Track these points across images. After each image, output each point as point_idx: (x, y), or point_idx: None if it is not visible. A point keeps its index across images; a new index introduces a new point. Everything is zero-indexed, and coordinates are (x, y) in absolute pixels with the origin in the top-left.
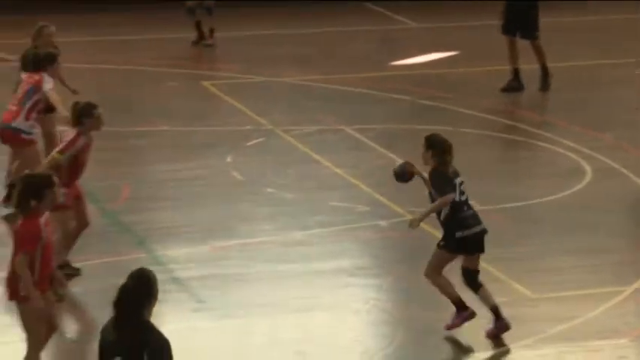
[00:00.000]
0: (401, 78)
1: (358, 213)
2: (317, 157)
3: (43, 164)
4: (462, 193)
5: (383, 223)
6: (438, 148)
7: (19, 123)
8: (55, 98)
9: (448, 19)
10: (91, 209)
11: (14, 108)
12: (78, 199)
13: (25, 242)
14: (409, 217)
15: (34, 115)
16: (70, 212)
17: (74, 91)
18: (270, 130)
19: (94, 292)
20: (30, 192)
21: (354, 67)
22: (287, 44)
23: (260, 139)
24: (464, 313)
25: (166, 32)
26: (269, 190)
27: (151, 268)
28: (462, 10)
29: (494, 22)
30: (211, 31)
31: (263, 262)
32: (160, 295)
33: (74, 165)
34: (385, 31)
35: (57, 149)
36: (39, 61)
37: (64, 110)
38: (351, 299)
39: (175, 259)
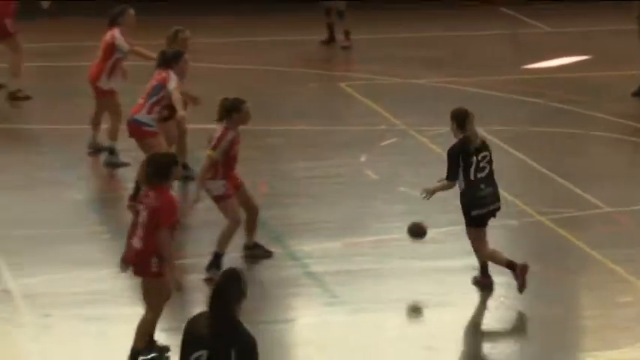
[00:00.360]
0: (533, 81)
1: None
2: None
3: (203, 165)
4: (481, 169)
5: (513, 222)
6: (459, 119)
7: (142, 116)
8: (176, 97)
9: (580, 23)
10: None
11: (141, 101)
12: (238, 188)
13: (168, 215)
14: (538, 217)
15: (156, 109)
16: (233, 201)
17: (195, 100)
18: (403, 130)
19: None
20: (160, 170)
21: (486, 70)
22: (421, 47)
23: (394, 139)
24: (517, 270)
25: (303, 34)
26: (402, 188)
27: (287, 263)
28: (594, 15)
29: (628, 26)
30: (347, 33)
31: (395, 259)
32: (294, 289)
33: (227, 158)
34: (517, 34)
35: (210, 146)
36: (167, 59)
37: (181, 110)
38: (477, 297)
39: (310, 255)
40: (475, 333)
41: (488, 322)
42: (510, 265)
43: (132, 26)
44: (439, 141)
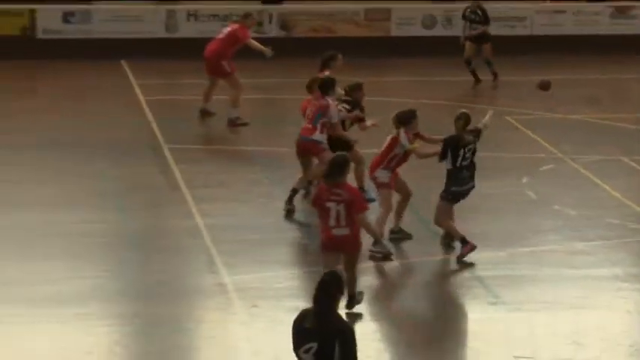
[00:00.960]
0: None
1: (630, 229)
2: (597, 181)
3: (422, 152)
4: (465, 159)
5: None
6: (463, 123)
7: (317, 136)
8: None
9: None
10: (411, 218)
11: (309, 125)
12: (396, 178)
13: (362, 202)
14: None
15: (325, 129)
16: (391, 192)
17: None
18: (560, 158)
19: (410, 286)
20: (341, 168)
21: (634, 107)
22: (580, 87)
23: (551, 165)
24: (467, 245)
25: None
26: (556, 207)
27: (458, 267)
28: None
29: None
30: (495, 75)
31: (549, 267)
32: (463, 290)
33: (404, 156)
34: None
35: (412, 144)
36: (323, 86)
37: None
38: (622, 301)
39: (477, 261)
40: (616, 332)
41: (629, 323)
42: (463, 240)
43: (339, 69)
44: (591, 167)
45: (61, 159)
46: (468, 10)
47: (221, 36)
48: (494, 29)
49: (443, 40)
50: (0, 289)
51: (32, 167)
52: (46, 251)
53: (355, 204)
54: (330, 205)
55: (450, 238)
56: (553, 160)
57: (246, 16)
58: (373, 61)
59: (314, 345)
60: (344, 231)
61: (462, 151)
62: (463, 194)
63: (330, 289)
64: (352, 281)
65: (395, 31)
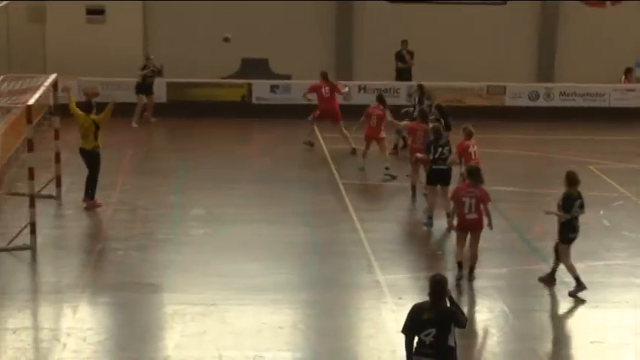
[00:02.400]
0: None
1: None
2: None
3: None
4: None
5: None
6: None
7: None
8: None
9: None
10: (514, 237)
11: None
12: None
13: (488, 196)
14: None
15: None
16: None
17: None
18: (628, 196)
19: (506, 288)
20: (480, 176)
21: None
22: None
23: (621, 202)
24: (580, 285)
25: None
26: (625, 232)
27: (542, 274)
28: None
29: None
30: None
31: (618, 276)
32: (552, 291)
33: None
34: None
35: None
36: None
37: None
38: None
39: (564, 270)
40: None
41: None
42: (578, 280)
43: None
44: None
45: (267, 189)
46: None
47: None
48: (581, 102)
49: (544, 110)
50: (220, 280)
51: (248, 195)
52: (256, 254)
53: (484, 198)
54: (465, 199)
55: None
56: (623, 198)
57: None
58: (491, 123)
59: (433, 330)
60: (475, 215)
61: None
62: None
63: (442, 287)
64: (475, 256)
65: (508, 102)
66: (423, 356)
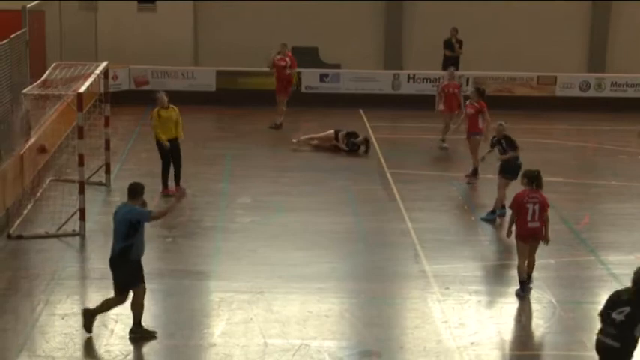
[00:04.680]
0: None
1: None
2: None
3: None
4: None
5: None
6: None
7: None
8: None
9: None
10: (563, 228)
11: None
12: None
13: (547, 204)
14: None
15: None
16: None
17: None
18: None
19: (554, 279)
20: (540, 181)
21: None
22: None
23: None
24: None
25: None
26: None
27: (597, 266)
28: None
29: None
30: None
31: None
32: (600, 283)
33: None
34: None
35: None
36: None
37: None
38: None
39: (612, 262)
40: None
41: None
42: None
43: None
44: None
45: (315, 178)
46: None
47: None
48: (632, 93)
49: (595, 100)
50: (267, 268)
51: (295, 183)
52: (302, 243)
53: (545, 205)
54: (529, 205)
55: None
56: None
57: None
58: (542, 114)
59: (626, 308)
60: (537, 224)
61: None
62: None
63: None
64: (532, 263)
65: (559, 92)
66: (606, 337)
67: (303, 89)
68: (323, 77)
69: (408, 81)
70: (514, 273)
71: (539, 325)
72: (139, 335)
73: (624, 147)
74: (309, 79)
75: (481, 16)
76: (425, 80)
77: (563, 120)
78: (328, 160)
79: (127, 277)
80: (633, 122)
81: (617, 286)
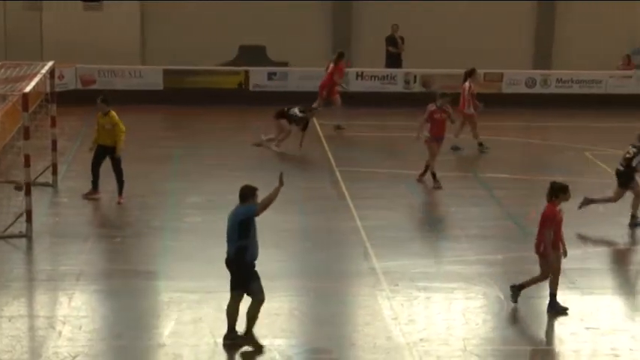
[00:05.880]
0: None
1: None
2: None
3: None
4: None
5: None
6: None
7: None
8: None
9: None
10: (509, 224)
11: None
12: None
13: (544, 220)
14: None
15: None
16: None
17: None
18: None
19: (501, 274)
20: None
21: None
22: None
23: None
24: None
25: (567, 120)
26: (621, 219)
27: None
28: None
29: None
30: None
31: (613, 262)
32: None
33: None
34: None
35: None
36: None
37: None
38: None
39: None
40: None
41: None
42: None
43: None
44: None
45: (263, 177)
46: None
47: None
48: (577, 89)
49: (541, 97)
50: (216, 268)
51: (244, 182)
52: None
53: (542, 219)
54: (562, 221)
55: None
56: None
57: None
58: (489, 111)
59: None
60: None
61: None
62: None
63: None
64: (533, 281)
65: (505, 89)
66: None
67: (250, 88)
68: (271, 75)
69: (357, 78)
70: (462, 269)
71: (488, 320)
72: (233, 342)
73: (571, 143)
74: (257, 77)
75: (428, 14)
76: (373, 78)
77: (510, 117)
78: (277, 159)
79: (242, 279)
80: (579, 118)
81: (564, 281)
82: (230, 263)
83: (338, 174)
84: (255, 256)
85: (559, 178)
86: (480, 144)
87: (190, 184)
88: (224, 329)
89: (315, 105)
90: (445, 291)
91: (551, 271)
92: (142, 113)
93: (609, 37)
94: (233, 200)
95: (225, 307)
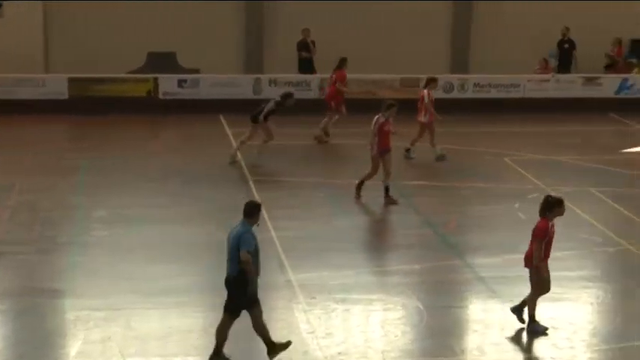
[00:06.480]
0: (630, 160)
1: (596, 242)
2: (572, 206)
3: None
4: None
5: (610, 249)
6: None
7: None
8: None
9: None
10: (429, 232)
11: None
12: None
13: (538, 233)
14: (627, 246)
15: None
16: None
17: None
18: (543, 188)
19: (420, 284)
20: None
21: (600, 151)
22: (559, 136)
23: (536, 194)
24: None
25: (477, 126)
26: None
27: (464, 270)
28: None
29: None
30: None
31: None
32: (467, 287)
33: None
34: (620, 130)
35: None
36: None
37: None
38: (587, 295)
39: (480, 265)
40: (583, 318)
41: (589, 310)
42: None
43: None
44: (567, 196)
45: (174, 188)
46: None
47: None
48: (495, 94)
49: (458, 101)
50: (125, 284)
51: (154, 194)
52: (162, 256)
53: (534, 231)
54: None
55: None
56: (538, 190)
57: None
58: (404, 116)
59: None
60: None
61: None
62: None
63: None
64: (530, 302)
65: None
66: None
67: (160, 96)
68: (181, 83)
69: (270, 85)
70: (381, 280)
71: (407, 332)
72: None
73: (489, 148)
74: (167, 85)
75: (342, 18)
76: (287, 84)
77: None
78: (188, 169)
79: (244, 300)
80: (498, 124)
81: (484, 290)
82: (230, 283)
83: (252, 183)
84: (258, 275)
85: (479, 185)
86: (407, 149)
87: (97, 197)
88: (133, 348)
89: (326, 119)
90: (364, 303)
91: (541, 285)
92: (46, 124)
93: (526, 39)
94: (139, 213)
95: (217, 326)
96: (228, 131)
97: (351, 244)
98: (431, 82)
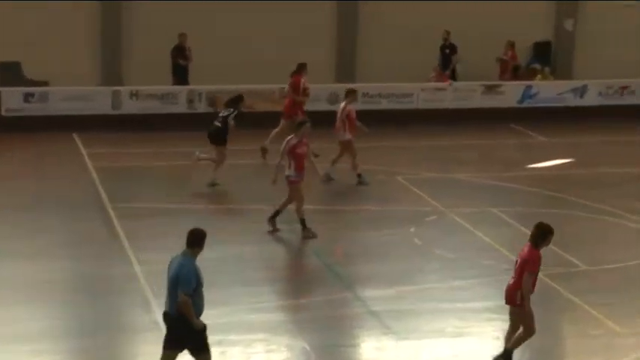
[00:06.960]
0: (534, 176)
1: (501, 269)
2: (472, 229)
3: None
4: None
5: None
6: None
7: None
8: None
9: (567, 135)
10: (315, 262)
11: None
12: None
13: (531, 265)
14: None
15: None
16: None
17: None
18: (442, 210)
19: (307, 321)
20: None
21: (501, 168)
22: (457, 151)
23: (434, 217)
24: None
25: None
26: (437, 251)
27: (355, 303)
28: (579, 129)
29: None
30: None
31: (431, 301)
32: (358, 322)
33: None
34: (524, 143)
35: None
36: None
37: None
38: (492, 329)
39: (371, 297)
40: (488, 356)
41: (498, 348)
42: None
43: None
44: (467, 218)
45: (24, 217)
46: None
47: None
48: (386, 104)
49: None
50: None
51: (1, 224)
52: (13, 296)
53: (521, 261)
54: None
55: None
56: (436, 212)
57: None
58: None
59: None
60: (510, 282)
61: None
62: None
63: None
64: (516, 340)
65: (306, 106)
66: None
67: (3, 112)
68: (28, 97)
69: (131, 98)
70: (262, 318)
71: None
72: None
73: (380, 166)
74: (11, 99)
75: (217, 24)
76: (150, 97)
77: (311, 138)
78: (40, 196)
79: (181, 336)
80: (389, 138)
81: (377, 325)
82: (169, 318)
83: (111, 211)
84: (200, 312)
85: (371, 208)
86: (359, 175)
87: None
88: None
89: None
90: (243, 344)
91: (530, 320)
92: None
93: (419, 46)
94: None
95: None
96: (84, 151)
97: (227, 277)
98: (350, 93)
